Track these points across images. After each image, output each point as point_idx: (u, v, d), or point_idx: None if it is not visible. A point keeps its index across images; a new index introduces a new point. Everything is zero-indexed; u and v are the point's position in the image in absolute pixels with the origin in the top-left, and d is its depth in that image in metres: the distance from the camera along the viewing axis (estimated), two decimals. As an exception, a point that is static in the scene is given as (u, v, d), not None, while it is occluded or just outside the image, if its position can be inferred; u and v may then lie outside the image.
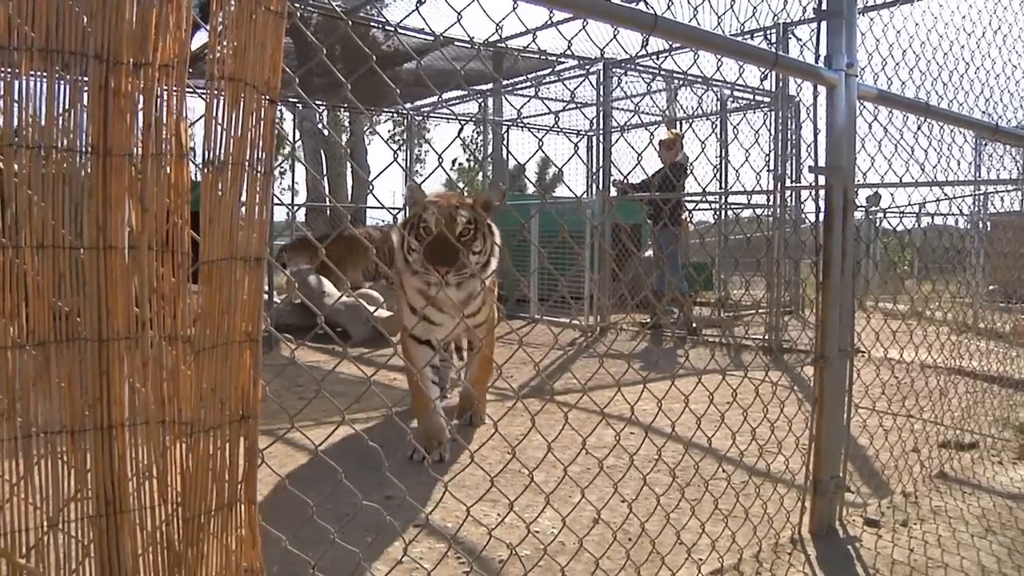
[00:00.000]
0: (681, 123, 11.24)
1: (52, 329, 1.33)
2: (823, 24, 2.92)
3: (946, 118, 3.71)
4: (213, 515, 1.44)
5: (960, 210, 7.54)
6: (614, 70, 9.07)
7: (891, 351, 3.74)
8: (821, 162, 2.97)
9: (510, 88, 11.38)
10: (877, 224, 11.05)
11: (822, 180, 2.93)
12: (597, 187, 9.11)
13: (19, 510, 1.32)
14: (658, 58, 9.70)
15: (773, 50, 3.06)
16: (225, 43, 1.44)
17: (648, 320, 9.01)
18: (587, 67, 9.55)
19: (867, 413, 3.50)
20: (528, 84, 11.20)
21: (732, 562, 2.68)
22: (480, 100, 12.13)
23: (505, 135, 12.39)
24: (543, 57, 9.63)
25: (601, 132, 9.17)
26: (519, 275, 9.65)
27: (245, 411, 1.49)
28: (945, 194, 9.28)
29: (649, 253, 10.41)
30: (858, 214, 3.49)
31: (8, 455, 1.30)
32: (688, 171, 8.83)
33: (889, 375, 3.65)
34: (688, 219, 9.35)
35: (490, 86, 11.63)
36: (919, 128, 3.76)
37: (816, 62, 2.91)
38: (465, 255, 3.55)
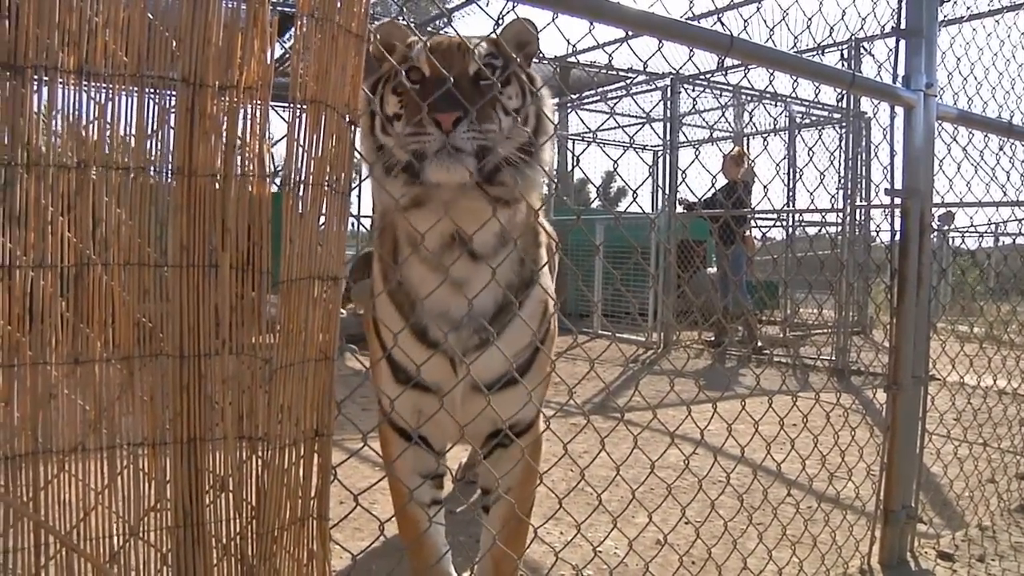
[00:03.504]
0: (748, 139, 11.11)
1: (136, 344, 1.37)
2: (902, 42, 2.86)
3: (1030, 138, 3.60)
4: (286, 530, 1.47)
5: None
6: (682, 85, 9.00)
7: (967, 376, 3.63)
8: (897, 184, 2.91)
9: (577, 102, 11.36)
10: (951, 243, 10.78)
11: (897, 200, 2.87)
12: (663, 202, 9.05)
13: (103, 518, 1.36)
14: (726, 74, 9.60)
15: (849, 69, 3.01)
16: (307, 65, 1.47)
17: (712, 338, 8.91)
18: (655, 82, 9.50)
19: (941, 440, 3.40)
20: (595, 98, 11.18)
21: (799, 591, 2.62)
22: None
23: (573, 149, 12.37)
24: (611, 72, 9.60)
25: (668, 147, 9.10)
26: (584, 288, 9.62)
27: (319, 428, 1.51)
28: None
29: (712, 269, 10.30)
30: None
31: (94, 464, 1.35)
32: (755, 188, 8.72)
33: (964, 401, 3.53)
34: (753, 236, 9.22)
35: (557, 100, 11.65)
36: (1001, 148, 3.65)
37: (893, 81, 2.86)
38: (490, 108, 1.77)
